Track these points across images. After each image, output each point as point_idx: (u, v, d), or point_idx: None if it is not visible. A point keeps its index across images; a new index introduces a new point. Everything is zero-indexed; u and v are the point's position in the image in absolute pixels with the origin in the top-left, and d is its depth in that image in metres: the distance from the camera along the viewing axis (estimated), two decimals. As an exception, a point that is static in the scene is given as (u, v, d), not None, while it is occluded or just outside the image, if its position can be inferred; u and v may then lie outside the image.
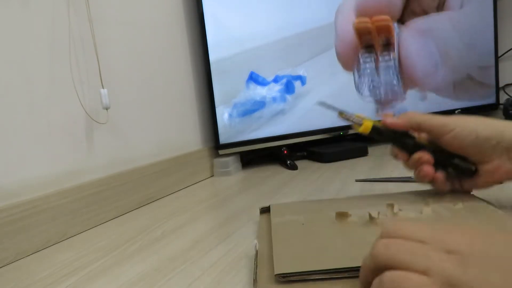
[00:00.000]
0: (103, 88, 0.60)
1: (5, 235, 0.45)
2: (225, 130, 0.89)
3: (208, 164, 0.89)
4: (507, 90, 1.27)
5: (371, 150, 0.99)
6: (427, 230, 0.24)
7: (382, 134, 0.47)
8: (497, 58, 1.21)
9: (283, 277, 0.31)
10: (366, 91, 1.02)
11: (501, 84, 1.25)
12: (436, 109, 1.14)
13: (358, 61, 1.00)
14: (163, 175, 0.74)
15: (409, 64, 1.04)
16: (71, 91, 0.57)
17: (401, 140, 0.46)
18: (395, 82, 1.04)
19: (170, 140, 0.79)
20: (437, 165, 0.44)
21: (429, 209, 0.41)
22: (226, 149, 0.89)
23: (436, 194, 0.47)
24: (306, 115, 0.97)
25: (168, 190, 0.75)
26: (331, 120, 1.01)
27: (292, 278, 0.30)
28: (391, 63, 1.03)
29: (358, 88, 1.02)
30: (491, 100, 1.23)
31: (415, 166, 0.45)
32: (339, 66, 1.00)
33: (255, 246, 0.37)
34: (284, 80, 0.94)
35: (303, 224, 0.41)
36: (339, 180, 0.70)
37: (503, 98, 1.24)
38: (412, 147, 0.45)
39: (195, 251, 0.42)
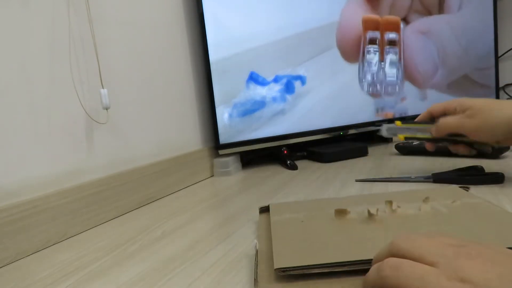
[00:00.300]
0: (103, 88, 0.60)
1: (5, 235, 0.45)
2: (225, 130, 0.89)
3: (208, 164, 0.89)
4: (507, 90, 1.27)
5: (371, 150, 0.99)
6: (441, 249, 0.23)
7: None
8: (497, 58, 1.21)
9: (283, 271, 0.31)
10: (368, 83, 1.03)
11: (501, 84, 1.26)
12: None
13: (363, 53, 1.01)
14: (163, 175, 0.74)
15: (410, 62, 1.06)
16: (71, 91, 0.57)
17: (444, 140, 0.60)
18: (397, 77, 1.06)
19: (170, 140, 0.79)
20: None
21: (427, 206, 0.41)
22: (226, 149, 0.89)
23: (434, 192, 0.47)
24: (306, 115, 0.97)
25: (168, 190, 0.75)
26: (331, 120, 1.01)
27: (291, 272, 0.30)
28: (395, 58, 1.04)
29: (361, 80, 1.02)
30: (491, 100, 1.23)
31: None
32: (339, 66, 1.00)
33: (255, 246, 0.37)
34: (284, 80, 0.94)
35: (302, 221, 0.41)
36: (339, 180, 0.70)
37: (503, 98, 1.24)
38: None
39: (195, 251, 0.42)
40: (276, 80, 0.93)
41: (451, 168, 0.65)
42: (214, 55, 0.86)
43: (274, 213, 0.45)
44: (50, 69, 0.54)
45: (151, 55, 0.75)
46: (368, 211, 0.40)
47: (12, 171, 0.48)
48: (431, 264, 0.22)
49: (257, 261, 0.35)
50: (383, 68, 1.04)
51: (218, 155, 0.91)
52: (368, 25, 1.01)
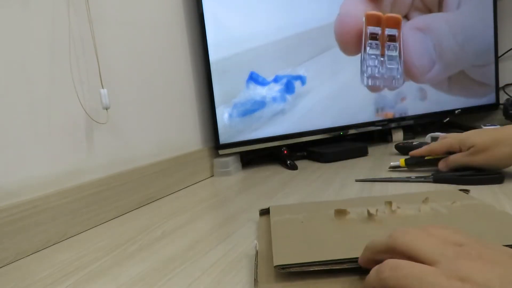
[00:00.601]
0: (103, 88, 0.60)
1: (5, 235, 0.45)
2: (225, 130, 0.89)
3: (208, 164, 0.89)
4: (507, 90, 1.27)
5: (371, 150, 0.99)
6: (441, 248, 0.23)
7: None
8: (497, 58, 1.21)
9: (282, 268, 0.31)
10: (368, 76, 1.04)
11: (501, 84, 1.25)
12: (436, 109, 1.14)
13: (364, 47, 1.02)
14: (163, 175, 0.74)
15: (407, 56, 1.07)
16: (71, 91, 0.57)
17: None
18: (397, 71, 1.07)
19: (170, 140, 0.79)
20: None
21: (427, 207, 0.41)
22: (226, 149, 0.89)
23: (434, 194, 0.47)
24: (306, 115, 0.97)
25: (168, 190, 0.75)
26: (331, 120, 1.01)
27: (291, 270, 0.30)
28: (395, 53, 1.05)
29: (362, 73, 1.03)
30: (491, 100, 1.23)
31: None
32: (339, 66, 1.00)
33: (255, 246, 0.37)
34: (284, 80, 0.94)
35: (302, 222, 0.41)
36: (339, 180, 0.70)
37: (503, 98, 1.24)
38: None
39: (195, 251, 0.42)
40: (276, 80, 0.93)
41: (451, 168, 0.65)
42: (214, 55, 0.86)
43: (274, 215, 0.45)
44: (50, 69, 0.54)
45: (151, 55, 0.75)
46: (368, 211, 0.40)
47: (12, 171, 0.48)
48: (431, 262, 0.22)
49: (257, 261, 0.35)
50: (384, 62, 1.05)
51: (218, 155, 0.91)
52: (371, 20, 1.02)
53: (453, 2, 1.11)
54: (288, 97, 0.95)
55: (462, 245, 0.23)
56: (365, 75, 1.04)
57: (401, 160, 0.71)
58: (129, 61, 0.69)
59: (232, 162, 0.90)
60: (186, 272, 0.37)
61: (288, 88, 0.95)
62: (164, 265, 0.40)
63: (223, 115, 0.88)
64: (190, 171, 0.82)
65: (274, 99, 0.93)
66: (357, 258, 0.30)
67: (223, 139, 0.89)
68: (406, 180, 0.63)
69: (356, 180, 0.67)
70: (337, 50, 1.00)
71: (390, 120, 1.08)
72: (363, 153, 0.94)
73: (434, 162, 0.66)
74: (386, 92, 1.07)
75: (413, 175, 0.65)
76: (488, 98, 1.22)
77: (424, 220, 0.39)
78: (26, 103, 0.50)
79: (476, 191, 0.52)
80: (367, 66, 1.03)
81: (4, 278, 0.41)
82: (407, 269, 0.22)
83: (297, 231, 0.39)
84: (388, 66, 1.06)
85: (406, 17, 1.07)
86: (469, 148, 0.59)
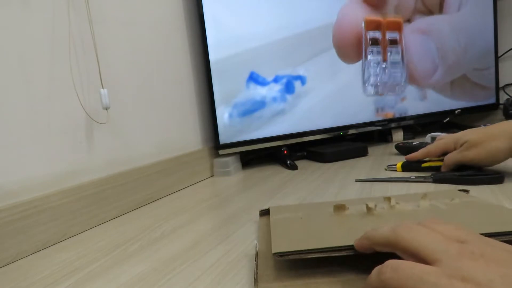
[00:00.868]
0: (103, 88, 0.60)
1: (5, 235, 0.45)
2: (225, 130, 0.89)
3: (208, 164, 0.89)
4: (507, 90, 1.27)
5: (371, 150, 0.99)
6: (444, 245, 0.22)
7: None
8: (497, 58, 1.21)
9: (281, 256, 0.31)
10: (370, 83, 1.03)
11: (501, 84, 1.26)
12: (436, 109, 1.14)
13: (365, 55, 1.01)
14: (163, 175, 0.74)
15: (409, 60, 1.06)
16: (71, 91, 0.57)
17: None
18: (401, 76, 1.06)
19: (170, 140, 0.79)
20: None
21: (426, 203, 0.42)
22: (226, 149, 0.89)
23: (434, 192, 0.47)
24: (306, 115, 0.97)
25: (168, 190, 0.75)
26: (331, 120, 1.01)
27: (289, 257, 0.31)
28: (398, 57, 1.05)
29: (364, 83, 1.03)
30: (491, 100, 1.23)
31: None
32: (339, 66, 1.00)
33: (255, 246, 0.37)
34: (284, 80, 0.94)
35: (301, 217, 0.42)
36: (339, 180, 0.70)
37: (503, 98, 1.24)
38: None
39: (195, 251, 0.42)
40: (276, 80, 0.93)
41: (451, 168, 0.65)
42: (214, 55, 0.86)
43: (274, 214, 0.45)
44: (50, 69, 0.54)
45: (151, 55, 0.75)
46: (367, 205, 0.40)
47: (12, 171, 0.48)
48: (433, 261, 0.22)
49: (257, 261, 0.35)
50: (387, 68, 1.04)
51: (218, 155, 0.91)
52: (370, 25, 1.01)
53: (454, 3, 1.11)
54: (288, 97, 0.95)
55: (465, 242, 0.22)
56: (367, 84, 1.03)
57: (398, 165, 0.71)
58: (129, 61, 0.69)
59: (232, 162, 0.90)
60: (186, 272, 0.37)
61: (288, 88, 0.95)
62: (164, 265, 0.40)
63: (223, 115, 0.88)
64: (190, 171, 0.82)
65: (274, 99, 0.93)
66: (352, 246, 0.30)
67: (223, 139, 0.89)
68: (406, 180, 0.63)
69: (356, 180, 0.67)
70: (337, 50, 1.00)
71: (390, 120, 1.08)
72: (363, 153, 0.93)
73: (430, 169, 0.66)
74: (386, 92, 1.07)
75: (413, 175, 0.65)
76: (488, 98, 1.22)
77: (423, 215, 0.39)
78: (26, 103, 0.50)
79: (476, 191, 0.52)
80: (369, 75, 1.02)
81: (4, 278, 0.41)
82: (409, 269, 0.22)
83: (296, 224, 0.39)
84: (392, 72, 1.05)
85: (409, 20, 1.07)
86: (463, 144, 0.59)
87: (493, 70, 1.20)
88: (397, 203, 0.42)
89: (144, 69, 0.73)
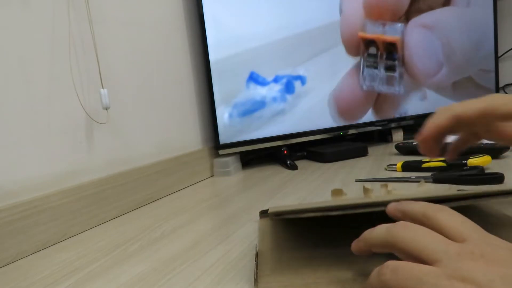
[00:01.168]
0: (103, 88, 0.60)
1: (5, 235, 0.45)
2: (225, 130, 0.89)
3: (208, 164, 0.89)
4: (507, 90, 1.27)
5: (371, 150, 0.99)
6: (443, 245, 0.22)
7: None
8: (497, 58, 1.21)
9: (276, 215, 0.31)
10: (366, 82, 1.03)
11: (501, 84, 1.26)
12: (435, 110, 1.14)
13: (365, 50, 1.00)
14: (163, 175, 0.74)
15: (410, 58, 1.03)
16: (71, 91, 0.57)
17: None
18: (396, 82, 1.05)
19: (170, 140, 0.79)
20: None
21: (422, 188, 0.42)
22: (226, 149, 0.89)
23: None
24: (306, 115, 0.97)
25: (168, 190, 0.75)
26: (331, 120, 1.01)
27: (286, 216, 0.31)
28: (395, 62, 1.03)
29: (360, 77, 1.02)
30: (491, 100, 1.22)
31: None
32: (339, 66, 1.00)
33: (255, 246, 0.37)
34: (284, 80, 0.94)
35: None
36: (339, 180, 0.70)
37: (503, 98, 1.23)
38: None
39: (195, 251, 0.42)
40: (276, 80, 0.93)
41: (451, 168, 0.65)
42: (214, 55, 0.86)
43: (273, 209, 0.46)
44: (50, 69, 0.54)
45: (151, 55, 0.75)
46: (363, 187, 0.41)
47: (12, 171, 0.48)
48: (432, 261, 0.22)
49: (257, 261, 0.35)
50: (381, 75, 1.03)
51: (218, 155, 0.91)
52: (366, 40, 1.00)
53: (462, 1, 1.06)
54: (288, 97, 0.95)
55: (465, 242, 0.22)
56: (364, 80, 1.02)
57: (398, 165, 0.71)
58: (129, 61, 0.69)
59: (232, 162, 0.90)
60: (186, 272, 0.37)
61: (288, 88, 0.95)
62: (164, 265, 0.40)
63: (223, 115, 0.88)
64: (190, 171, 0.82)
65: (274, 99, 0.93)
66: (351, 204, 0.29)
67: (223, 139, 0.89)
68: (406, 180, 0.63)
69: (356, 180, 0.67)
70: (337, 50, 1.00)
71: (390, 120, 1.08)
72: (363, 153, 0.93)
73: (430, 169, 0.66)
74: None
75: (413, 175, 0.65)
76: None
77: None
78: (26, 103, 0.50)
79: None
80: (365, 75, 1.02)
81: (4, 278, 0.41)
82: (408, 270, 0.22)
83: (293, 205, 0.40)
84: (387, 75, 1.03)
85: (407, 18, 1.04)
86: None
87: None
88: (394, 188, 0.43)
89: (144, 69, 0.73)
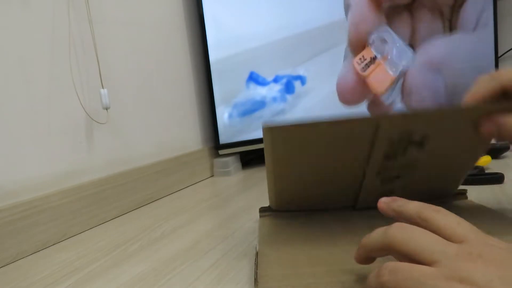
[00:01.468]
0: (103, 88, 0.60)
1: (5, 235, 0.45)
2: (225, 130, 0.89)
3: (208, 164, 0.89)
4: (507, 90, 1.27)
5: (371, 150, 0.98)
6: (441, 246, 0.22)
7: None
8: (497, 58, 1.21)
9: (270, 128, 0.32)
10: None
11: (501, 84, 1.25)
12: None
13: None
14: (163, 175, 0.74)
15: (410, 99, 0.98)
16: (71, 91, 0.57)
17: None
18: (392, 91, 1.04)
19: (170, 140, 0.79)
20: None
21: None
22: (226, 149, 0.89)
23: None
24: (306, 115, 0.97)
25: (168, 190, 0.75)
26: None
27: (282, 133, 0.32)
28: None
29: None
30: (491, 100, 1.22)
31: None
32: (339, 66, 1.00)
33: (255, 246, 0.37)
34: (284, 80, 0.94)
35: None
36: (339, 180, 0.70)
37: (503, 98, 1.23)
38: None
39: (195, 251, 0.42)
40: (276, 80, 0.93)
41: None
42: (214, 55, 0.86)
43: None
44: (50, 69, 0.54)
45: (151, 55, 0.75)
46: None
47: (12, 171, 0.48)
48: (430, 262, 0.22)
49: (257, 261, 0.35)
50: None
51: (218, 155, 0.91)
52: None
53: (471, 20, 0.98)
54: (288, 97, 0.95)
55: (463, 243, 0.22)
56: None
57: None
58: (129, 61, 0.69)
59: (232, 162, 0.90)
60: (186, 272, 0.37)
61: (288, 88, 0.95)
62: (164, 265, 0.40)
63: (223, 115, 0.88)
64: (190, 171, 0.82)
65: (274, 99, 0.93)
66: (345, 117, 0.30)
67: (223, 139, 0.89)
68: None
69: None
70: (337, 50, 1.00)
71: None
72: (363, 153, 0.93)
73: None
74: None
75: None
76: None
77: None
78: (26, 103, 0.50)
79: (476, 191, 0.52)
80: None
81: (4, 278, 0.41)
82: (407, 272, 0.22)
83: None
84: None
85: (412, 12, 0.99)
86: None
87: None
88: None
89: (144, 69, 0.73)
